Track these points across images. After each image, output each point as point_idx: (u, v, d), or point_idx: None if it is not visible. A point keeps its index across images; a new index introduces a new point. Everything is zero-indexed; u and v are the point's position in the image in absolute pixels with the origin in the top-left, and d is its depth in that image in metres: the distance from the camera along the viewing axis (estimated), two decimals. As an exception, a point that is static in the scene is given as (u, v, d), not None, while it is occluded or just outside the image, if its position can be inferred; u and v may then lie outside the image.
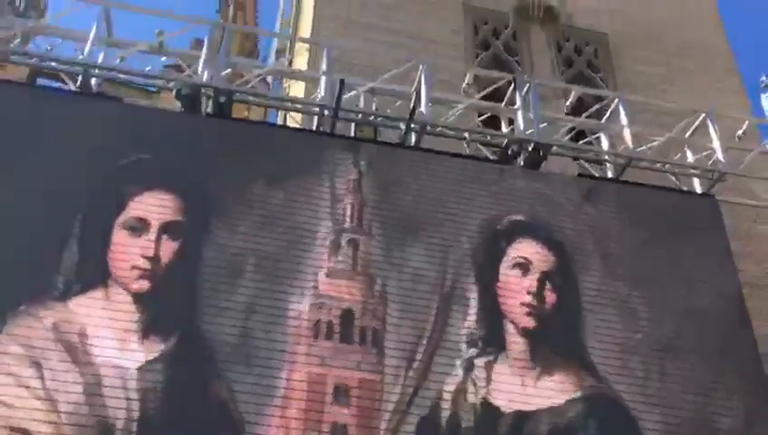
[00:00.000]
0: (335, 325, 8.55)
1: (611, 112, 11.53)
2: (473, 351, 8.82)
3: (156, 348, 7.81)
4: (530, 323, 9.14)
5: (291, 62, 16.54)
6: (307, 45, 17.24)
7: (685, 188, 10.84)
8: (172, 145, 9.15)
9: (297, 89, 13.05)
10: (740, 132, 11.15)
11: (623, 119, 10.75)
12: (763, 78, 11.22)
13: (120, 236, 8.38)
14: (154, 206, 8.57)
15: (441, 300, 9.09)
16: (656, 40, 18.20)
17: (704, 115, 10.89)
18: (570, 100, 11.21)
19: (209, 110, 9.61)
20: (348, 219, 9.37)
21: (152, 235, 8.42)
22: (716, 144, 10.58)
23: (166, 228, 8.50)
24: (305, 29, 18.41)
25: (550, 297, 9.31)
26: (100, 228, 8.35)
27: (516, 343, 8.98)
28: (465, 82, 11.66)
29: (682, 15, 18.85)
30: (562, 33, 17.83)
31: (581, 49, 17.71)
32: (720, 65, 18.01)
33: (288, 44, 21.99)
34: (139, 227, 8.45)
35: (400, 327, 8.72)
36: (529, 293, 9.32)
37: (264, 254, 8.73)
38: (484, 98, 11.70)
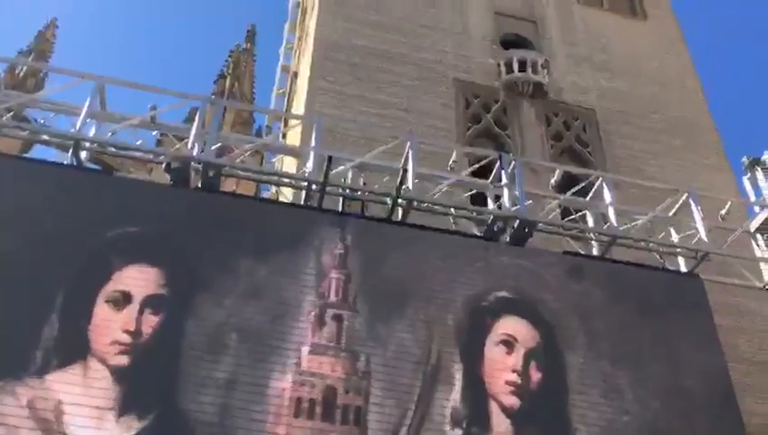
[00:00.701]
0: (317, 403, 8.43)
1: (597, 189, 11.67)
2: (457, 431, 8.69)
3: (133, 425, 7.69)
4: (515, 402, 9.04)
5: (284, 135, 16.85)
6: (303, 107, 17.76)
7: (670, 267, 10.89)
8: (159, 218, 9.22)
9: (289, 161, 13.24)
10: (723, 212, 11.28)
11: (608, 197, 10.89)
12: (744, 159, 11.41)
13: (102, 310, 8.35)
14: (137, 279, 8.58)
15: (425, 377, 9.00)
16: (643, 117, 18.62)
17: (686, 194, 11.04)
18: (555, 178, 11.36)
19: (198, 183, 9.72)
20: (333, 294, 9.37)
21: (134, 308, 8.39)
22: (699, 224, 10.70)
23: (148, 302, 8.49)
24: (300, 99, 18.86)
25: (535, 376, 9.23)
26: (82, 301, 8.34)
27: (501, 424, 8.85)
28: (452, 159, 11.84)
29: (668, 94, 19.35)
30: (552, 108, 18.28)
31: (570, 124, 18.08)
32: (706, 143, 18.37)
33: (284, 111, 22.54)
34: (121, 300, 8.44)
35: (384, 405, 8.61)
36: (514, 371, 9.24)
37: (247, 328, 8.69)
38: (472, 174, 11.87)
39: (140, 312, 8.39)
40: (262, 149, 10.66)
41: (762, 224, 11.11)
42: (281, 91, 22.93)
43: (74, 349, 8.03)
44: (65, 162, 9.69)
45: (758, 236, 11.20)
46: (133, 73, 77.88)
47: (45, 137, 9.48)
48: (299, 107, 18.69)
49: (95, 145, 9.56)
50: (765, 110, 78.51)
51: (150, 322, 8.37)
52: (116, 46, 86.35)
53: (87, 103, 9.41)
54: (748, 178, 11.75)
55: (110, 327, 8.22)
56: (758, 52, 79.67)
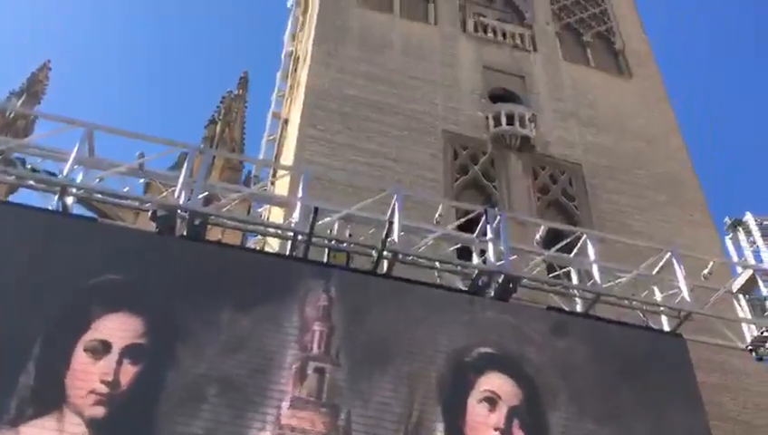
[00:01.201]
0: (296, 459, 8.29)
1: (582, 245, 11.73)
2: (438, 489, 8.56)
3: (108, 479, 7.52)
4: (497, 461, 8.93)
5: (273, 183, 16.91)
6: (289, 163, 17.86)
7: (653, 326, 10.91)
8: (143, 266, 9.17)
9: (277, 210, 13.26)
10: (706, 271, 11.37)
11: (592, 254, 10.96)
12: (726, 220, 11.56)
13: (80, 359, 8.23)
14: (118, 328, 8.48)
15: (407, 434, 8.88)
16: (628, 172, 18.87)
17: (669, 253, 11.13)
18: (540, 233, 11.45)
19: (184, 232, 9.71)
20: (315, 347, 9.29)
21: (113, 358, 8.28)
22: (682, 283, 10.76)
23: (128, 352, 8.37)
24: (290, 146, 19.00)
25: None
26: (60, 350, 8.22)
27: (483, 485, 8.73)
28: (439, 212, 11.90)
29: (653, 150, 19.66)
30: (539, 161, 18.49)
31: (557, 177, 18.27)
32: (690, 199, 18.60)
33: (273, 161, 22.65)
34: (100, 349, 8.32)
35: (364, 462, 8.48)
36: (497, 429, 9.15)
37: (227, 380, 8.57)
38: (459, 227, 11.93)
39: (119, 362, 8.27)
40: (249, 199, 10.67)
41: (744, 284, 11.14)
42: (271, 137, 23.10)
43: (50, 399, 7.88)
44: (51, 207, 9.67)
45: (740, 296, 11.22)
46: (125, 115, 78.32)
47: (32, 182, 9.47)
48: (289, 154, 18.81)
49: (81, 191, 9.56)
50: (749, 167, 79.90)
51: (129, 372, 8.25)
52: (109, 88, 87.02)
53: (75, 150, 9.45)
54: (730, 239, 11.85)
55: (88, 377, 8.09)
56: (743, 110, 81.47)
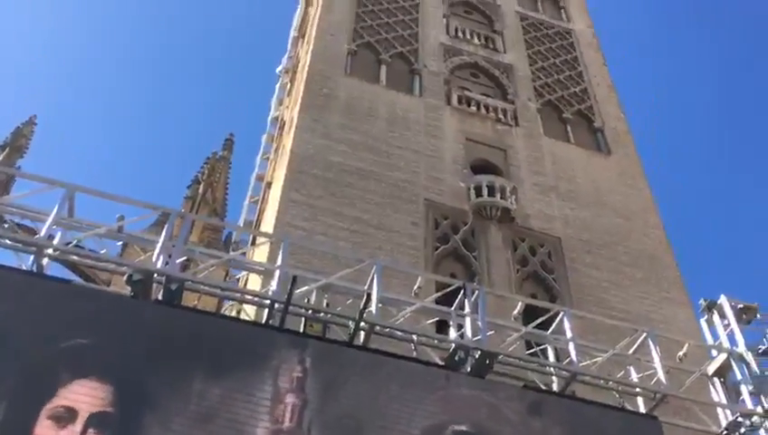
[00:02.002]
0: None
1: (560, 321, 11.72)
2: None
3: None
4: None
5: (254, 242, 16.88)
6: (270, 227, 17.87)
7: (628, 407, 10.84)
8: (115, 331, 9.00)
9: (255, 275, 13.16)
10: (681, 353, 11.39)
11: (569, 332, 10.96)
12: (702, 302, 11.65)
13: (43, 427, 7.97)
14: (85, 395, 8.25)
15: None
16: (606, 247, 19.06)
17: (645, 334, 11.17)
18: (518, 309, 11.46)
19: (159, 296, 9.60)
20: (288, 420, 9.08)
21: (78, 427, 8.02)
22: (658, 365, 10.76)
23: (94, 420, 8.12)
24: (272, 210, 19.04)
25: None
26: (23, 417, 7.96)
27: None
28: (417, 284, 11.90)
29: (631, 226, 19.95)
30: (518, 233, 18.64)
31: (536, 250, 18.39)
32: (667, 277, 18.77)
33: (254, 222, 22.67)
34: (65, 416, 8.07)
35: None
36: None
37: (194, 452, 8.33)
38: (437, 299, 11.90)
39: (84, 431, 8.02)
40: (227, 266, 10.62)
41: (719, 367, 11.15)
42: (254, 199, 23.17)
43: (9, 469, 7.60)
44: (26, 267, 9.55)
45: (716, 379, 11.22)
46: (109, 172, 78.32)
47: (8, 241, 9.36)
48: (270, 217, 18.82)
49: (58, 252, 9.47)
50: (725, 245, 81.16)
51: (94, 442, 7.99)
52: (94, 145, 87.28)
53: (55, 210, 9.40)
54: (705, 321, 11.92)
55: (50, 447, 7.82)
56: (720, 189, 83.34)
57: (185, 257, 10.22)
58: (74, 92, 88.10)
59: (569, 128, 22.83)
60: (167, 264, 9.64)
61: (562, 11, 28.84)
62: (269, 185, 22.73)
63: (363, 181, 18.33)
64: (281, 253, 10.58)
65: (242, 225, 21.75)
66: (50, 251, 9.35)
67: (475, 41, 24.70)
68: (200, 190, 20.79)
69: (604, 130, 22.99)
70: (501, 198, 18.75)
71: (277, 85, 27.52)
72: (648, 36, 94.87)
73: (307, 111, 19.70)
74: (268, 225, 18.88)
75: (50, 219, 9.29)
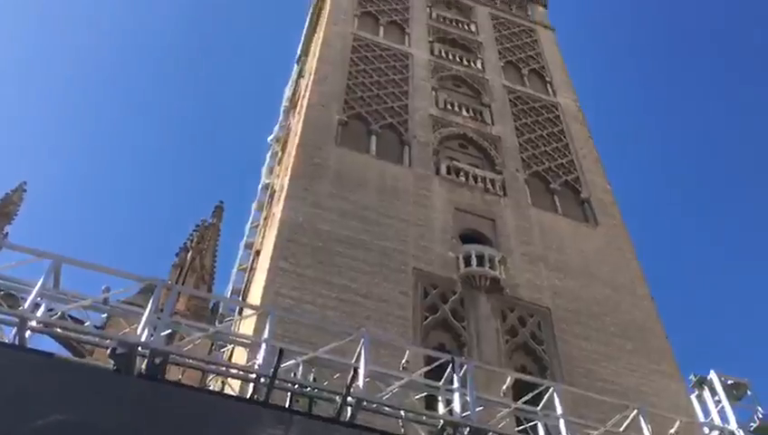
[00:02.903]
0: None
1: (550, 395, 11.55)
2: None
3: None
4: None
5: (240, 311, 16.73)
6: (258, 296, 17.76)
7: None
8: (96, 407, 8.76)
9: (241, 348, 12.97)
10: (672, 431, 11.22)
11: (559, 408, 10.80)
12: (692, 377, 11.56)
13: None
14: (60, 478, 7.97)
15: None
16: (596, 318, 19.00)
17: (636, 410, 11.02)
18: (507, 384, 11.32)
19: (143, 368, 9.42)
20: (272, 499, 8.81)
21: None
22: (650, 442, 10.57)
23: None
24: (260, 279, 18.94)
25: None
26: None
27: None
28: (405, 358, 11.76)
29: (620, 297, 19.95)
30: (507, 303, 18.58)
31: (525, 320, 18.30)
32: (657, 349, 18.68)
33: (242, 290, 22.54)
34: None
35: None
36: None
37: None
38: (426, 371, 11.72)
39: None
40: (213, 339, 10.49)
41: (710, 445, 10.99)
42: (242, 267, 23.10)
43: None
44: (8, 340, 9.38)
45: (703, 458, 11.02)
46: (98, 237, 78.11)
47: (-10, 314, 9.22)
48: (259, 286, 18.71)
49: (41, 325, 9.33)
50: (716, 316, 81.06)
51: None
52: (84, 211, 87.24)
53: (40, 282, 9.31)
54: (696, 396, 11.80)
55: None
56: (712, 264, 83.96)
57: (169, 330, 10.08)
58: (65, 159, 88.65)
59: (556, 198, 23.11)
60: (152, 337, 9.49)
61: (548, 85, 29.61)
62: (258, 253, 22.70)
63: (352, 250, 18.35)
64: (267, 325, 10.46)
65: (230, 293, 21.60)
66: (33, 323, 9.22)
67: (464, 113, 25.23)
68: (188, 258, 20.75)
69: (591, 201, 23.27)
70: (490, 267, 18.80)
71: (268, 154, 27.87)
72: (635, 108, 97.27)
73: (297, 180, 19.87)
74: (256, 293, 18.74)
75: (35, 291, 9.19)
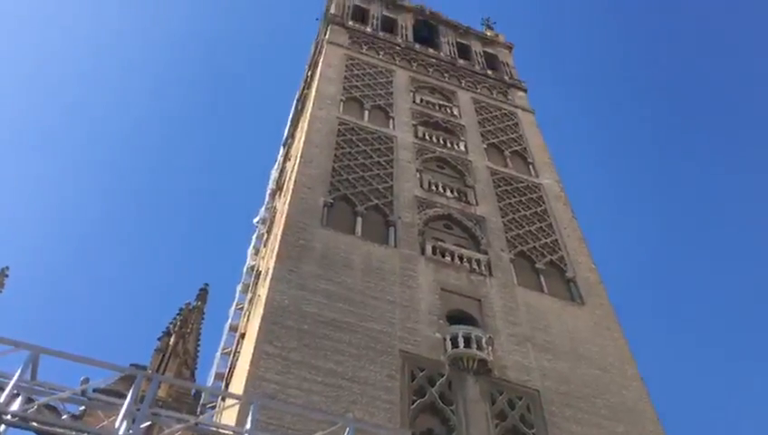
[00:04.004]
0: None
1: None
2: None
3: None
4: None
5: (223, 398, 16.34)
6: (243, 381, 17.41)
7: None
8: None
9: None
10: None
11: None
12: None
13: None
14: None
15: None
16: (585, 400, 18.72)
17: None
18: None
19: (120, 463, 9.11)
20: None
21: None
22: None
23: None
24: (245, 363, 18.59)
25: None
26: None
27: None
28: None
29: (609, 378, 19.72)
30: (496, 385, 18.30)
31: (514, 403, 17.97)
32: (648, 431, 18.34)
33: (225, 375, 22.10)
34: None
35: None
36: None
37: None
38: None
39: None
40: (194, 430, 10.19)
41: None
42: (226, 350, 22.73)
43: None
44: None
45: None
46: (80, 320, 76.82)
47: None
48: (243, 370, 18.36)
49: (16, 418, 9.06)
50: (706, 396, 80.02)
51: None
52: (65, 296, 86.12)
53: (17, 375, 9.10)
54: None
55: None
56: (703, 345, 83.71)
57: (149, 422, 9.81)
58: (47, 243, 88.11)
59: (542, 278, 23.15)
60: (130, 430, 9.24)
61: (530, 166, 30.21)
62: (243, 336, 22.40)
63: (338, 332, 18.17)
64: (250, 415, 10.23)
65: (213, 377, 21.18)
66: (8, 417, 8.94)
67: (448, 194, 25.56)
68: (171, 342, 20.45)
69: (577, 281, 23.33)
70: (477, 349, 18.62)
71: (254, 236, 27.93)
72: (617, 186, 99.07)
73: (283, 262, 19.84)
74: (240, 378, 18.38)
75: (11, 383, 8.97)
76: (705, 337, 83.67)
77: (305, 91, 36.13)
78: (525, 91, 37.97)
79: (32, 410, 9.15)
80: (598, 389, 19.25)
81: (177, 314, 21.89)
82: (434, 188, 25.65)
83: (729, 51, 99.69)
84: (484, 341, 19.05)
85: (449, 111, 32.58)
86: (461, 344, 18.76)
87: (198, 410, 18.58)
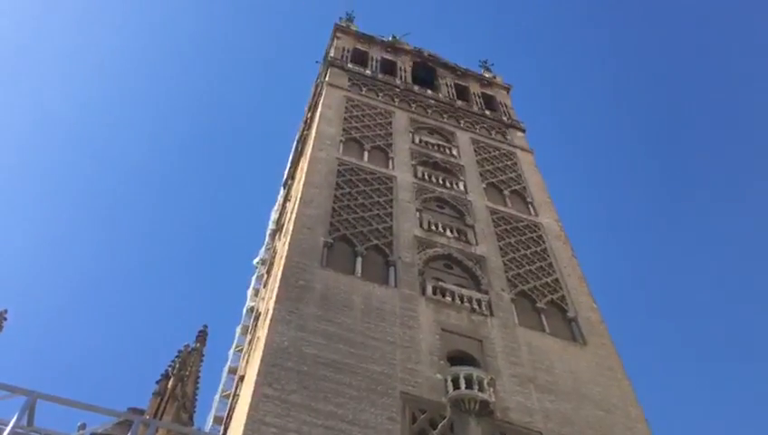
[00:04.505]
0: None
1: None
2: None
3: None
4: None
5: (225, 431, 16.05)
6: (242, 424, 17.15)
7: None
8: None
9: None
10: None
11: None
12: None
13: None
14: None
15: None
16: (589, 442, 18.46)
17: None
18: None
19: None
20: None
21: None
22: None
23: None
24: (244, 407, 18.35)
25: None
26: None
27: None
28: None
29: (613, 420, 19.42)
30: (499, 428, 18.05)
31: (518, 448, 17.72)
32: (653, 473, 18.10)
33: (224, 418, 21.77)
34: None
35: None
36: None
37: None
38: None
39: None
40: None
41: None
42: (225, 393, 22.44)
43: None
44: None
45: None
46: (78, 364, 76.02)
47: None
48: (242, 413, 18.13)
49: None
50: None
51: None
52: (62, 339, 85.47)
53: (13, 421, 8.98)
54: None
55: None
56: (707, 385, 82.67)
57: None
58: (46, 287, 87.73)
59: (543, 317, 23.00)
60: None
61: (530, 205, 30.27)
62: (242, 378, 22.14)
63: (338, 374, 18.00)
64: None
65: (211, 421, 20.87)
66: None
67: (448, 233, 25.55)
68: (170, 385, 20.17)
69: (578, 320, 23.17)
70: (479, 390, 18.41)
71: (253, 276, 27.82)
72: (618, 225, 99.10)
73: (282, 303, 19.74)
74: (240, 422, 18.13)
75: (8, 429, 8.85)
76: (709, 375, 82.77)
77: (305, 133, 36.42)
78: (524, 131, 38.28)
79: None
80: (601, 430, 18.97)
81: (176, 357, 21.69)
82: (434, 227, 25.65)
83: (729, 91, 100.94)
84: (485, 382, 18.85)
85: (448, 151, 32.79)
86: (462, 386, 18.56)
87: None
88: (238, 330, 25.16)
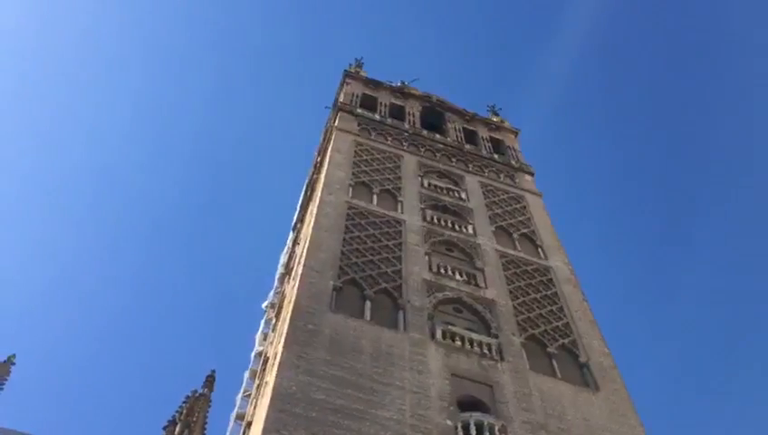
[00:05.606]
0: None
1: None
2: None
3: None
4: None
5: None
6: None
7: None
8: None
9: None
10: None
11: None
12: None
13: None
14: None
15: None
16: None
17: None
18: None
19: None
20: None
21: None
22: None
23: None
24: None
25: None
26: None
27: None
28: None
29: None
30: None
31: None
32: None
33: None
34: None
35: None
36: None
37: None
38: None
39: None
40: None
41: None
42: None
43: None
44: None
45: None
46: (84, 412, 75.36)
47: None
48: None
49: None
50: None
51: None
52: (69, 385, 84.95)
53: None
54: None
55: None
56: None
57: None
58: (53, 331, 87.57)
59: (554, 362, 22.69)
60: None
61: (539, 249, 30.15)
62: (249, 425, 21.89)
63: (347, 420, 17.75)
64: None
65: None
66: None
67: (457, 277, 25.43)
68: (177, 431, 19.94)
69: (590, 365, 22.83)
70: (490, 437, 18.09)
71: (262, 320, 27.69)
72: (628, 268, 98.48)
73: (291, 347, 19.60)
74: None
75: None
76: (726, 419, 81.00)
77: (314, 177, 36.66)
78: (533, 174, 38.39)
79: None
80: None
81: (183, 402, 21.47)
82: (443, 271, 25.56)
83: (733, 129, 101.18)
84: (497, 428, 18.54)
85: (457, 194, 32.87)
86: (473, 432, 18.26)
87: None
88: (246, 375, 24.93)
